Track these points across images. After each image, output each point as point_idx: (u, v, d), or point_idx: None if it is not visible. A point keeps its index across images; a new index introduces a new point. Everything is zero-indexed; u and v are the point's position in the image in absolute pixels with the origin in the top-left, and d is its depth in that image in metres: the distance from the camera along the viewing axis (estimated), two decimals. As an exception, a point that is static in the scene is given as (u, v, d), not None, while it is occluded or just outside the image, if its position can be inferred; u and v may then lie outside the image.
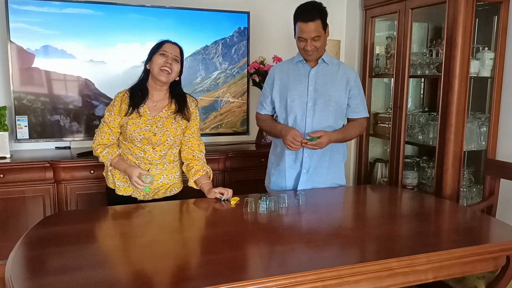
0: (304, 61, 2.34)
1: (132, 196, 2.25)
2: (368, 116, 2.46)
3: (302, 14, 2.19)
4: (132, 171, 2.11)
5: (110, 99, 2.23)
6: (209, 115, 3.55)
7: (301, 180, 2.38)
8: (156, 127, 2.17)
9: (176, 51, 2.17)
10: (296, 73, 2.35)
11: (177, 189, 2.32)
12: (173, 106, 2.22)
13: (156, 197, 2.26)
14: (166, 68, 2.12)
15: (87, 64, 3.17)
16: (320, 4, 2.24)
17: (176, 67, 2.16)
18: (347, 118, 2.42)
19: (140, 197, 2.24)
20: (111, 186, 2.29)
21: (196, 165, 2.24)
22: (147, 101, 2.19)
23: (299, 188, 2.37)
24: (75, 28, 3.11)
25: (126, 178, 2.22)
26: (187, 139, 2.27)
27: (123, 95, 2.20)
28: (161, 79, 2.13)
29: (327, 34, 2.28)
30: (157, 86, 2.18)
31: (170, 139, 2.19)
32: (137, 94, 2.17)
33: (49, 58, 3.08)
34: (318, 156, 2.36)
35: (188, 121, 2.23)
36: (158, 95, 2.21)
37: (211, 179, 2.26)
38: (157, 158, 2.20)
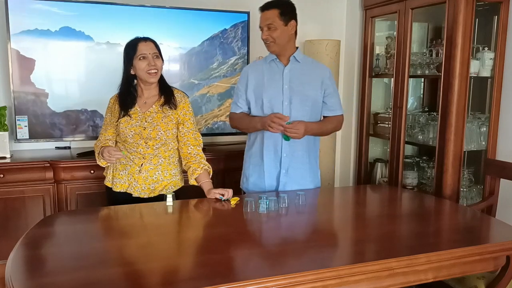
0: (277, 60, 2.33)
1: (127, 192, 2.25)
2: (343, 113, 2.48)
3: (262, 5, 2.25)
4: (108, 147, 2.15)
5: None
6: (224, 102, 3.44)
7: (281, 181, 2.36)
8: (146, 122, 2.21)
9: (152, 48, 2.19)
10: (270, 72, 2.34)
11: (173, 187, 2.31)
12: (162, 100, 2.25)
13: (152, 195, 2.26)
14: (152, 71, 2.15)
15: (105, 46, 3.09)
16: None
17: (159, 63, 2.19)
18: (323, 116, 2.42)
19: (136, 193, 2.25)
20: (107, 184, 2.33)
21: (193, 163, 2.25)
22: (138, 100, 2.25)
23: (280, 189, 2.35)
24: (91, 10, 3.04)
25: (121, 174, 2.25)
26: (182, 134, 2.27)
27: (115, 97, 2.27)
28: (152, 80, 2.19)
29: (289, 28, 2.25)
30: (146, 86, 2.23)
31: (161, 133, 2.21)
32: (127, 100, 2.22)
33: (67, 40, 3.01)
34: (297, 157, 2.34)
35: (175, 108, 2.24)
36: (149, 93, 2.26)
37: (210, 175, 2.27)
38: (150, 152, 2.22)
